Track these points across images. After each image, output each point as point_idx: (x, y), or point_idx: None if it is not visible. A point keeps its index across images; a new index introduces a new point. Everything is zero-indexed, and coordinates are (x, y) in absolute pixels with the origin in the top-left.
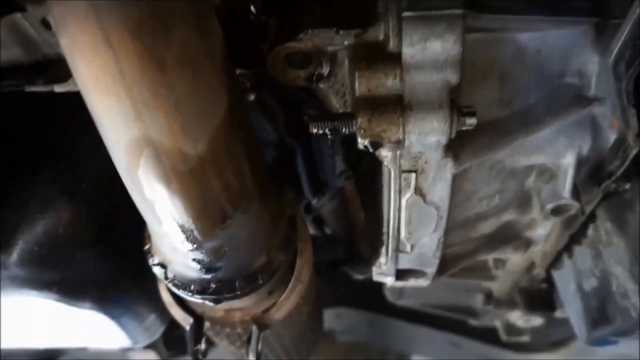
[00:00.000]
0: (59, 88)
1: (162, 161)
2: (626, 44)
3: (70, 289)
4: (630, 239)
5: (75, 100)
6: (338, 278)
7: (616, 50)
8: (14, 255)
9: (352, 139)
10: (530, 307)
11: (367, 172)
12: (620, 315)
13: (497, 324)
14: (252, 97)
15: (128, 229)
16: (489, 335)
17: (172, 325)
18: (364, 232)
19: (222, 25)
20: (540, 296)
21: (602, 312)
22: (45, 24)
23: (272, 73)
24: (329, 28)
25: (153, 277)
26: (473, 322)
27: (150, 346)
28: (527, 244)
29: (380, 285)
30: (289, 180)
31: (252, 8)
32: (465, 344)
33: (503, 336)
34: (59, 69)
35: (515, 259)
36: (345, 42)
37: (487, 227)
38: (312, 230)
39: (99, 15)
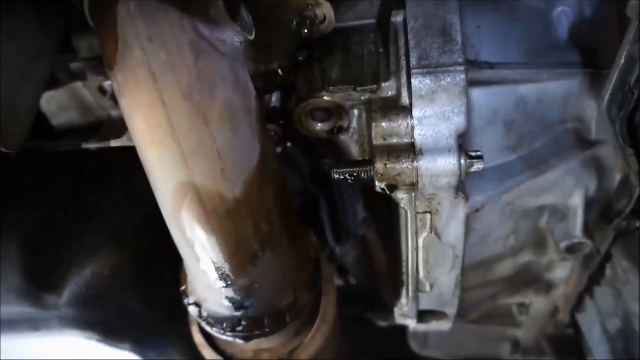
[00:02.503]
0: (115, 143)
1: (203, 203)
2: (616, 90)
3: (113, 329)
4: None
5: (116, 159)
6: (363, 330)
7: (608, 95)
8: (65, 296)
9: (371, 186)
10: (559, 355)
11: (385, 218)
12: None
13: None
14: (279, 149)
15: (164, 274)
16: None
17: None
18: (385, 277)
19: (255, 86)
20: (568, 343)
21: (628, 354)
22: (102, 91)
23: (297, 127)
24: (348, 85)
25: (184, 323)
26: None
27: None
28: (548, 286)
29: (405, 337)
30: (314, 229)
31: (280, 71)
32: None
33: None
34: (110, 129)
35: (538, 304)
36: (362, 98)
37: (505, 268)
38: (337, 281)
39: (155, 79)
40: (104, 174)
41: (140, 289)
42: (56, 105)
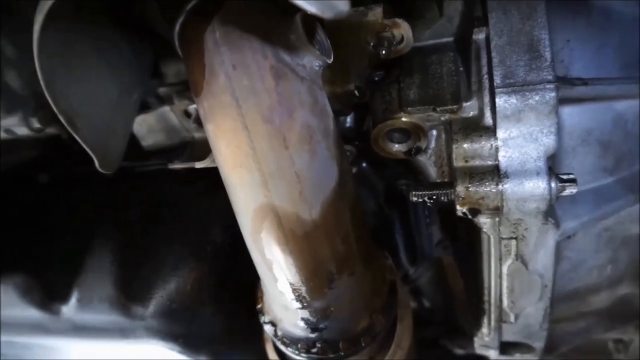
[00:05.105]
0: (199, 165)
1: (282, 225)
2: None
3: (193, 342)
4: None
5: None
6: (436, 353)
7: None
8: (151, 308)
9: (449, 208)
10: None
11: (464, 240)
12: None
13: None
14: (354, 169)
15: (240, 291)
16: None
17: None
18: (463, 303)
19: (332, 107)
20: None
21: None
22: (186, 114)
23: (374, 148)
24: (427, 106)
25: (257, 339)
26: None
27: None
28: None
29: None
30: (387, 250)
31: (356, 92)
32: None
33: None
34: (194, 150)
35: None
36: (442, 118)
37: (600, 300)
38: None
39: (239, 104)
40: (183, 192)
41: (218, 304)
42: (146, 127)
